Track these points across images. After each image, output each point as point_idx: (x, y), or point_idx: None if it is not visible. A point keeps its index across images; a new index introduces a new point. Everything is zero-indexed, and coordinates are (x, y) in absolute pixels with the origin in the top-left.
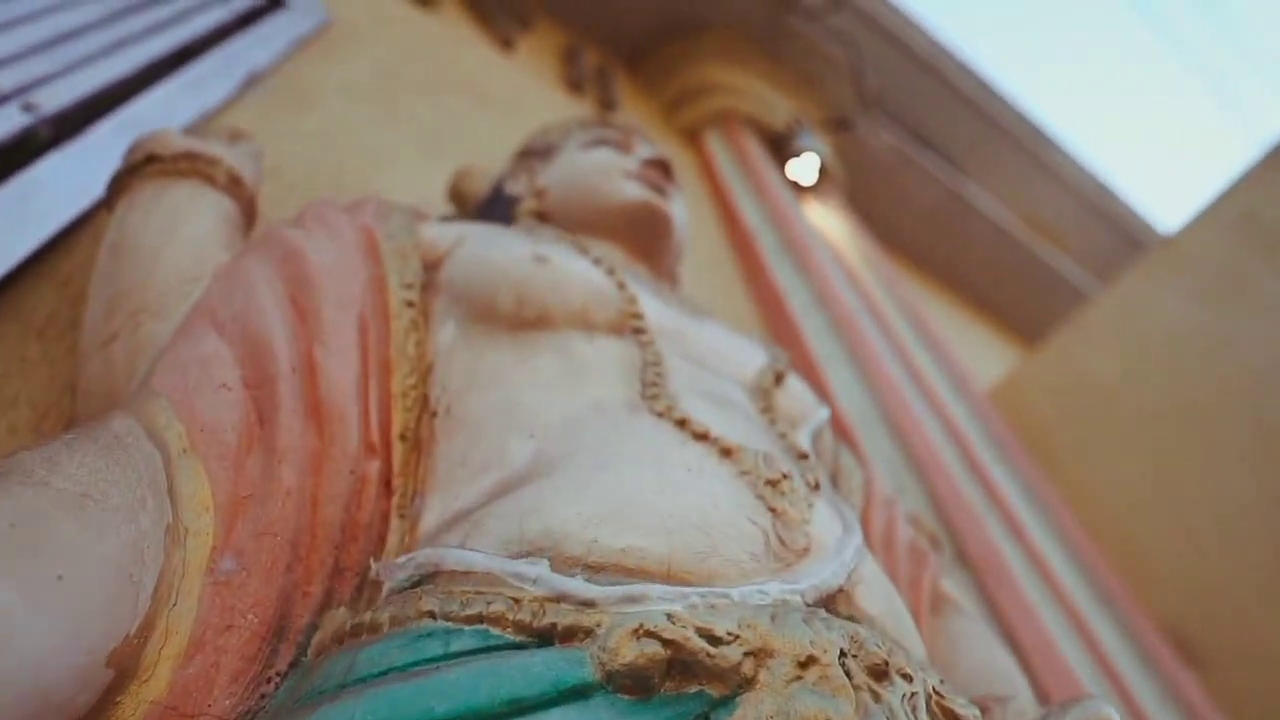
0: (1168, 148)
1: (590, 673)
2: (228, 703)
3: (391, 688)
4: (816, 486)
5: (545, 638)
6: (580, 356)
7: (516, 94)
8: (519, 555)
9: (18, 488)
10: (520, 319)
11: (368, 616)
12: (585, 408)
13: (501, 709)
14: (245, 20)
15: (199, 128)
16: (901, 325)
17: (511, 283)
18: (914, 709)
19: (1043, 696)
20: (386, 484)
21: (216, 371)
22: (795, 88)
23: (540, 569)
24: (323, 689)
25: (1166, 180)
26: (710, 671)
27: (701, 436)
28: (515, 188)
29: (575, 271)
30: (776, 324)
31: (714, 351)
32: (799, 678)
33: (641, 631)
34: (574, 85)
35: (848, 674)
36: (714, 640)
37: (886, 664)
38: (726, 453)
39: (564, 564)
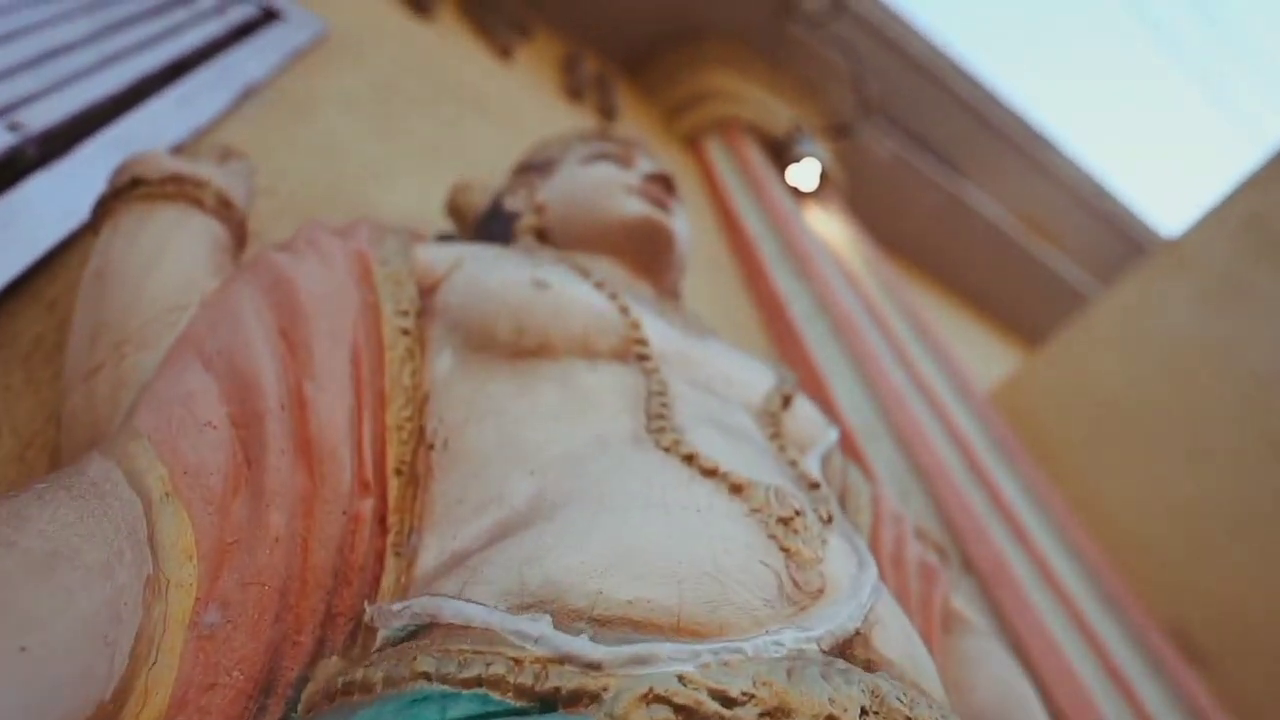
0: (1166, 150)
1: None
2: None
3: None
4: (829, 520)
5: (548, 703)
6: (582, 386)
7: (516, 103)
8: (520, 608)
9: None
10: (520, 348)
11: (360, 674)
12: (588, 442)
13: None
14: (240, 33)
15: (192, 143)
16: (903, 329)
17: (510, 310)
18: None
19: (1050, 702)
20: (381, 521)
21: (201, 409)
22: (796, 94)
23: (543, 627)
24: None
25: (1165, 182)
26: None
27: (710, 472)
28: (514, 204)
29: (577, 297)
30: (778, 330)
31: (720, 375)
32: None
33: (651, 696)
34: (574, 93)
35: None
36: (728, 702)
37: None
38: (736, 489)
39: (567, 617)
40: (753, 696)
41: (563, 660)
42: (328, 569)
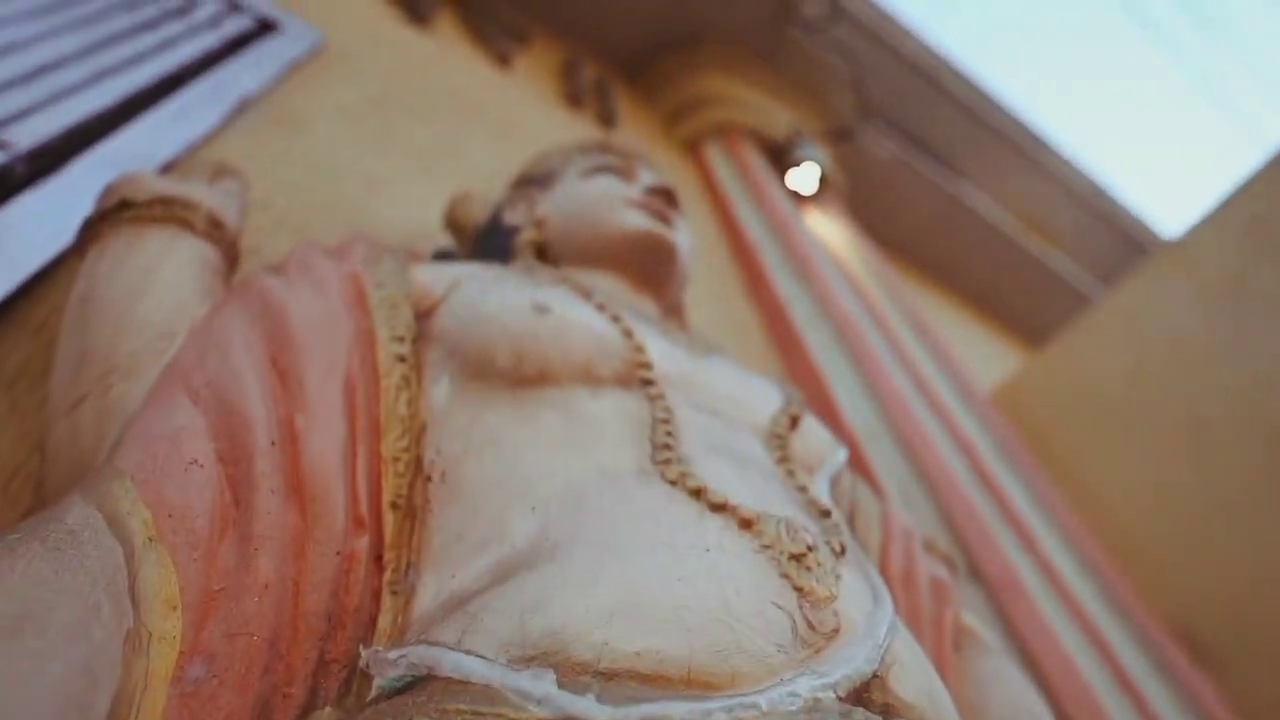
0: (1166, 150)
1: None
2: None
3: None
4: (842, 552)
5: None
6: (585, 415)
7: (515, 111)
8: (522, 660)
9: None
10: (520, 376)
11: None
12: (591, 475)
13: None
14: (235, 45)
15: (186, 158)
16: (905, 332)
17: (510, 336)
18: None
19: (1057, 706)
20: (377, 559)
21: (188, 446)
22: (795, 98)
23: (546, 686)
24: None
25: (1165, 182)
26: None
27: (719, 507)
28: (513, 218)
29: (578, 321)
30: (779, 334)
31: (726, 397)
32: None
33: None
34: (573, 100)
35: None
36: None
37: None
38: (746, 524)
39: (572, 671)
40: None
41: None
42: (321, 614)
